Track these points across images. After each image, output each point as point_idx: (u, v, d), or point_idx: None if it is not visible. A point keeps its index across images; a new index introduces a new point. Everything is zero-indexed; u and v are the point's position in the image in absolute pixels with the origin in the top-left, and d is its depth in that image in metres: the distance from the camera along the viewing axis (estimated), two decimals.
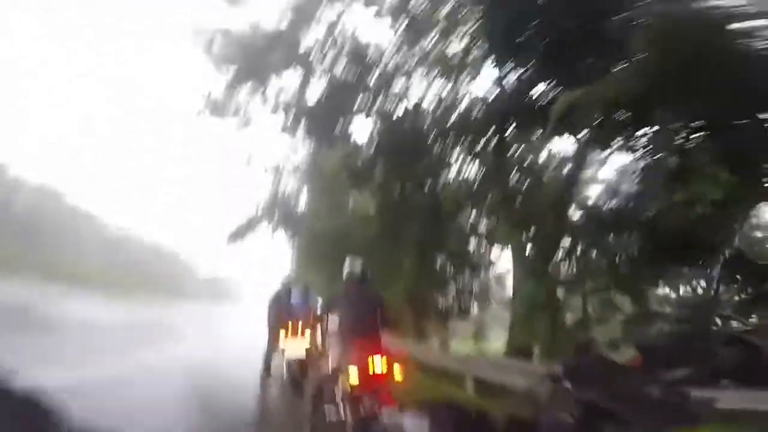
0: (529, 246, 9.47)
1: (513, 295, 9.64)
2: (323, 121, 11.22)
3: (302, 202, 15.09)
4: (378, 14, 11.07)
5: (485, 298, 13.42)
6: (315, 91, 11.47)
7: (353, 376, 3.85)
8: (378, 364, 3.95)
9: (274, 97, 11.56)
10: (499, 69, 9.48)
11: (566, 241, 8.94)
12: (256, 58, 10.81)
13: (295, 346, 6.68)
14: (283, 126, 11.83)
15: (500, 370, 6.79)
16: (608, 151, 8.64)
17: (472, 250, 12.90)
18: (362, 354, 3.96)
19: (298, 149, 13.35)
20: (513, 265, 9.60)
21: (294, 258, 15.71)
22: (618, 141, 8.18)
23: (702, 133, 6.54)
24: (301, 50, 11.11)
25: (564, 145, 10.31)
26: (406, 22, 10.83)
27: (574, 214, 9.42)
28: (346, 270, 4.55)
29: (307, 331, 6.60)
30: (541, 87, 8.81)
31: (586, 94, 6.52)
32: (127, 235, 36.90)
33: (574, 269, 8.86)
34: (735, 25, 5.50)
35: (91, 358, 8.75)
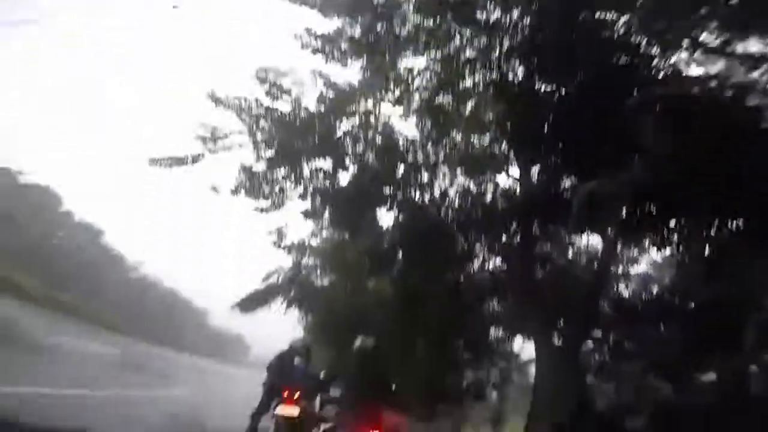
0: (555, 336, 9.11)
1: (535, 384, 9.19)
2: (349, 208, 11.28)
3: (321, 282, 15.36)
4: (405, 115, 11.23)
5: (505, 386, 12.92)
6: (343, 179, 11.58)
7: None
8: None
9: (305, 183, 11.58)
10: (522, 164, 9.73)
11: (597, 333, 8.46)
12: (292, 143, 11.03)
13: (288, 411, 6.47)
14: (310, 209, 11.93)
15: None
16: (640, 245, 8.27)
17: (492, 339, 12.56)
18: (362, 427, 4.03)
19: (323, 232, 13.35)
20: (536, 354, 9.34)
21: (305, 328, 15.86)
22: (648, 235, 7.84)
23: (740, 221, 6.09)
24: (334, 138, 11.27)
25: (593, 240, 10.23)
26: (430, 120, 10.89)
27: (605, 306, 8.94)
28: (356, 346, 5.02)
29: (302, 398, 6.52)
30: (565, 182, 8.85)
31: (607, 184, 6.45)
32: (146, 278, 37.48)
33: (607, 358, 8.30)
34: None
35: (67, 381, 8.70)
